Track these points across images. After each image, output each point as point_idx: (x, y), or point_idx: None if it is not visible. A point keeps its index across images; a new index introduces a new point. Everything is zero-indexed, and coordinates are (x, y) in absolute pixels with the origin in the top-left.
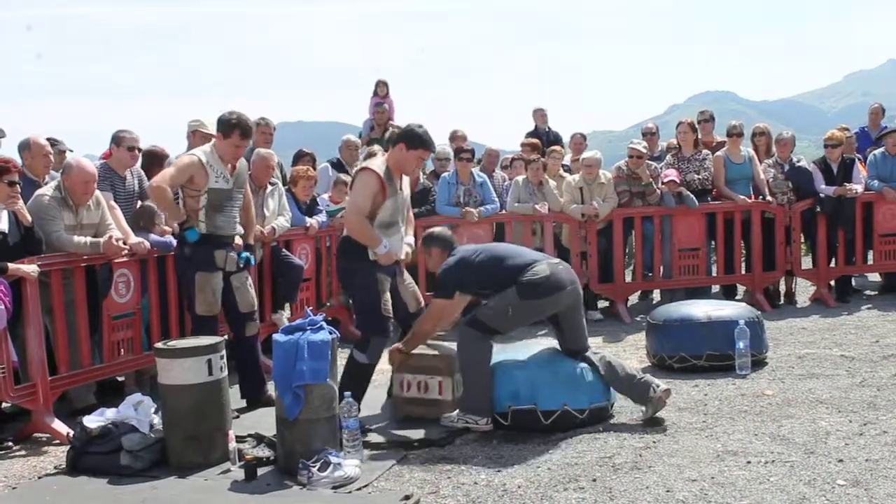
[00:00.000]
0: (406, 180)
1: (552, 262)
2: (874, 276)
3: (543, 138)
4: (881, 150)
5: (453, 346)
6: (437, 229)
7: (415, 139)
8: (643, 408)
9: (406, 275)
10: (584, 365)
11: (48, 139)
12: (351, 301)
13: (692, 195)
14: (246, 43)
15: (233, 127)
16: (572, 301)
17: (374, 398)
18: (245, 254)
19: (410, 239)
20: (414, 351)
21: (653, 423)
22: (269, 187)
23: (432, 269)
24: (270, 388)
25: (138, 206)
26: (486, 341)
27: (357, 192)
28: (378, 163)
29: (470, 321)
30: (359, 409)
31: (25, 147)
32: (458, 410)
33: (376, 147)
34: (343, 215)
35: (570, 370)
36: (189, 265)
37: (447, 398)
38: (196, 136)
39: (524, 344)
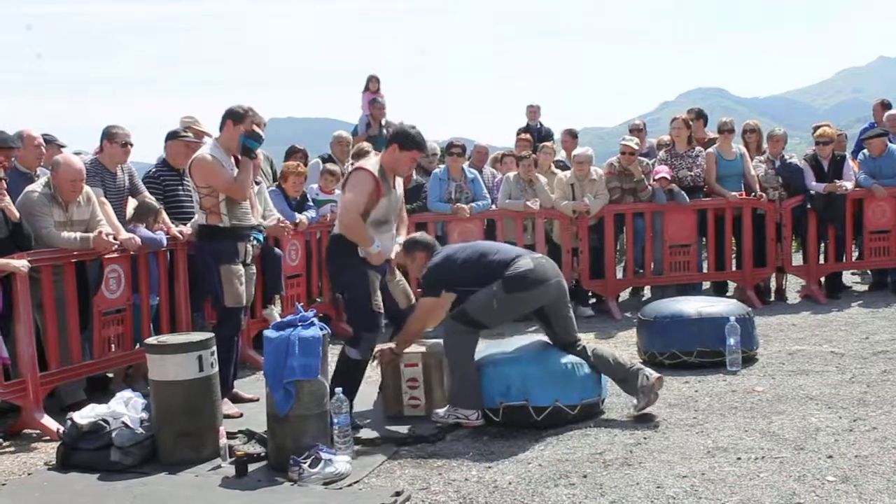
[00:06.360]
0: (399, 180)
1: (535, 257)
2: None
3: (535, 134)
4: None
5: (439, 342)
6: (417, 235)
7: (408, 140)
8: (635, 400)
9: (397, 273)
10: (575, 360)
11: (43, 135)
12: (341, 298)
13: (683, 192)
14: (237, 40)
15: (244, 114)
16: (557, 294)
17: (366, 394)
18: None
19: (402, 238)
20: (403, 356)
21: (643, 420)
22: (255, 187)
23: (416, 275)
24: (259, 384)
25: (139, 202)
26: (472, 335)
27: (352, 191)
28: (372, 162)
29: (456, 314)
30: (350, 406)
31: (18, 140)
32: (447, 406)
33: (366, 145)
34: (338, 215)
35: (562, 366)
36: (214, 259)
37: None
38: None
39: (515, 340)
